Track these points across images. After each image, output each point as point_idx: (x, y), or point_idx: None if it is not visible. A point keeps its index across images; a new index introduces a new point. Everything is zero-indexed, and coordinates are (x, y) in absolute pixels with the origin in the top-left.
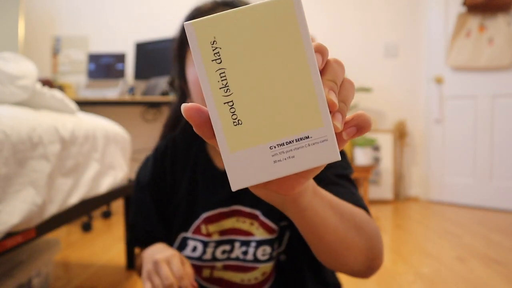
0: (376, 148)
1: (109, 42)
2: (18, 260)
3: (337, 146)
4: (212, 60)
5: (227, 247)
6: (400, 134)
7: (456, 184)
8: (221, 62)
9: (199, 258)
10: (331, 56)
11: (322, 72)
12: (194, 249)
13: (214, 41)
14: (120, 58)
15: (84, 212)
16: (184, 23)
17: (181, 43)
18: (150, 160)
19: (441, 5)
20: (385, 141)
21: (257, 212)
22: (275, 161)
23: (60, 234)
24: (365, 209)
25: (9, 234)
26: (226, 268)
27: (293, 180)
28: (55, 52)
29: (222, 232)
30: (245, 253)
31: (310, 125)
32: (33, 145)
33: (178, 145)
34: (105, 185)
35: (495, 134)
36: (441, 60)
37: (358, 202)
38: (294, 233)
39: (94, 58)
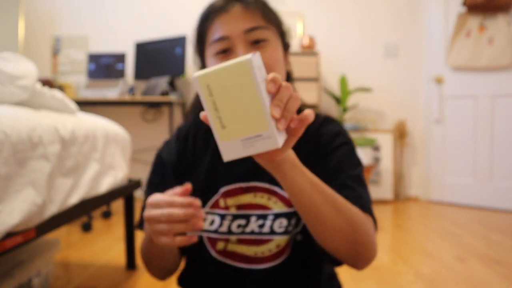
0: (376, 148)
1: (109, 42)
2: (18, 260)
3: (278, 140)
4: (209, 95)
5: (242, 222)
6: (400, 134)
7: (456, 184)
8: (213, 96)
9: (215, 231)
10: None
11: (275, 94)
12: (212, 222)
13: (208, 85)
14: (120, 58)
15: (84, 212)
16: (193, 76)
17: (200, 38)
18: (173, 140)
19: (441, 5)
20: (385, 141)
21: (276, 188)
22: (244, 147)
23: (60, 234)
24: (369, 212)
25: (9, 234)
26: (240, 241)
27: (272, 153)
28: (55, 52)
29: (239, 207)
30: (261, 226)
31: (261, 129)
32: (33, 145)
33: (199, 127)
34: (105, 185)
35: (495, 134)
36: (441, 60)
37: (362, 204)
38: None
39: (94, 58)
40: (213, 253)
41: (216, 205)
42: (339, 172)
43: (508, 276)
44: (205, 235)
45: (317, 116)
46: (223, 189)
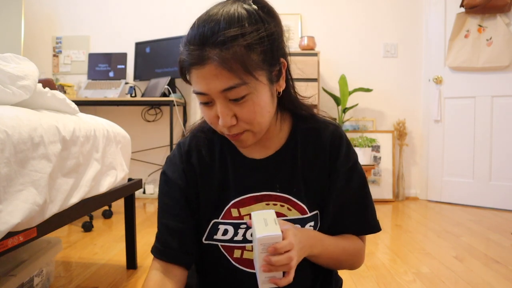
0: (376, 148)
1: (110, 42)
2: (19, 259)
3: None
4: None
5: None
6: (400, 134)
7: (455, 183)
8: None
9: (231, 240)
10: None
11: (269, 261)
12: (225, 232)
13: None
14: (121, 58)
15: (85, 212)
16: (252, 214)
17: (184, 74)
18: (177, 158)
19: (440, 6)
20: (385, 141)
21: (289, 196)
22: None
23: (61, 233)
24: (373, 229)
25: (11, 234)
26: None
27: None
28: (56, 52)
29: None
30: None
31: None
32: (34, 145)
33: (200, 140)
34: (106, 185)
35: (494, 134)
36: (440, 60)
37: (366, 229)
38: (322, 222)
39: (94, 58)
40: (231, 260)
41: (228, 215)
42: (352, 193)
43: (506, 275)
44: (220, 244)
45: (325, 122)
46: (235, 200)
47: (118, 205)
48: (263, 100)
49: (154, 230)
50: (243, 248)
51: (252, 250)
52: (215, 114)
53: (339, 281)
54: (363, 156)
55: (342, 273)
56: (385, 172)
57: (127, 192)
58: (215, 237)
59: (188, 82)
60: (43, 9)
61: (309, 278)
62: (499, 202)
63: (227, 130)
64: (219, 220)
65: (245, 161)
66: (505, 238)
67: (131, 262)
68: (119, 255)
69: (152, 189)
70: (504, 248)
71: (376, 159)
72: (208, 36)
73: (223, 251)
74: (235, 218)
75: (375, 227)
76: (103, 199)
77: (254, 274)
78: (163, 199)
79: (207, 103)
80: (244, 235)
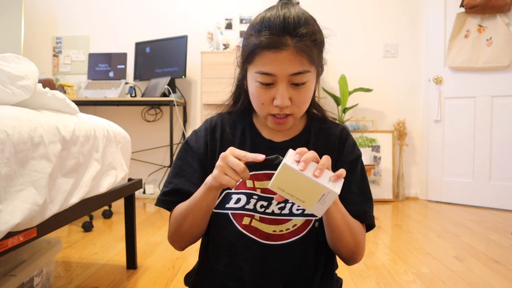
0: (376, 148)
1: (110, 42)
2: (19, 259)
3: (335, 192)
4: (282, 191)
5: (264, 203)
6: (400, 134)
7: (455, 184)
8: (284, 190)
9: (242, 207)
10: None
11: (307, 164)
12: (238, 200)
13: (278, 186)
14: (121, 58)
15: (85, 212)
16: (268, 185)
17: (247, 55)
18: (202, 131)
19: (440, 6)
20: (385, 141)
21: None
22: (322, 204)
23: (61, 233)
24: (369, 222)
25: (11, 234)
26: (262, 220)
27: None
28: (56, 52)
29: (263, 190)
30: (281, 208)
31: (322, 191)
32: (34, 145)
33: (225, 120)
34: (106, 185)
35: (494, 134)
36: (440, 60)
37: (365, 219)
38: None
39: (95, 58)
40: (238, 227)
41: (242, 185)
42: (353, 182)
43: (506, 275)
44: (230, 212)
45: (334, 123)
46: (251, 173)
47: (118, 205)
48: (311, 90)
49: (154, 230)
50: (252, 217)
51: (260, 221)
52: (272, 95)
53: (339, 281)
54: (363, 156)
55: (342, 273)
56: (385, 172)
57: (127, 192)
58: (227, 205)
59: (243, 62)
60: (43, 9)
61: (310, 270)
62: (499, 202)
63: (279, 109)
64: (232, 190)
65: (263, 141)
66: (505, 238)
67: (131, 262)
68: (119, 255)
69: (152, 189)
70: (504, 248)
71: (376, 159)
72: (291, 27)
73: (232, 218)
74: (249, 188)
75: (372, 220)
76: (103, 199)
77: (257, 241)
78: (181, 165)
79: (268, 84)
80: (255, 205)
